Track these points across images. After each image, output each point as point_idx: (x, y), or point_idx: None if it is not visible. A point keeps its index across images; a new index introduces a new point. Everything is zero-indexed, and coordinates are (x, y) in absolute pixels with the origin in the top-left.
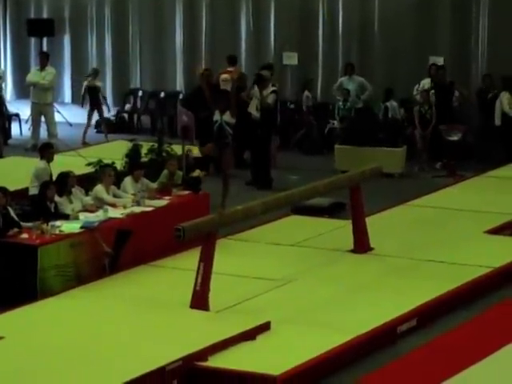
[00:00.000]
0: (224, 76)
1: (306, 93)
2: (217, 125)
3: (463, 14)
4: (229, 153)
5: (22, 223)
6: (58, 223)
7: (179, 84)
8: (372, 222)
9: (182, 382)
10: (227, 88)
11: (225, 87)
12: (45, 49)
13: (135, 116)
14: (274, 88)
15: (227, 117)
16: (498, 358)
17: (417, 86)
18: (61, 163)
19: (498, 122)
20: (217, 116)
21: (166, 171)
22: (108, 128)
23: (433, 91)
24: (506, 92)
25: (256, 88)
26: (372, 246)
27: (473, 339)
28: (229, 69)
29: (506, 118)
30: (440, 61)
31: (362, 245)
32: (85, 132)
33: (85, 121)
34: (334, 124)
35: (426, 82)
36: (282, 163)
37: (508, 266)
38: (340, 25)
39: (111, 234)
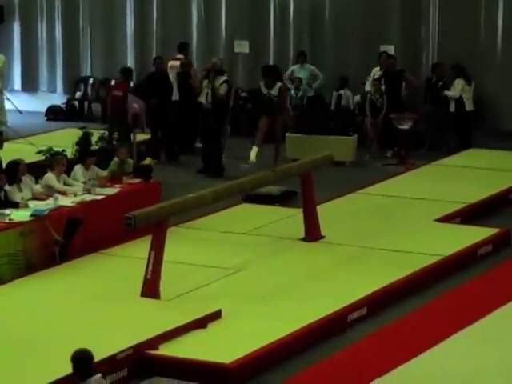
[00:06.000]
0: (171, 63)
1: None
2: (265, 97)
3: (413, 3)
4: (280, 121)
5: None
6: (7, 211)
7: None
8: (323, 211)
9: (132, 370)
10: (173, 74)
11: (171, 73)
12: None
13: (86, 104)
14: (225, 77)
15: (274, 90)
16: (448, 345)
17: (369, 77)
18: (11, 151)
19: (452, 108)
20: (264, 90)
21: (116, 159)
22: (58, 116)
23: (383, 79)
24: (461, 79)
25: (209, 78)
26: (323, 234)
27: (422, 327)
28: (178, 56)
29: (459, 105)
30: (391, 49)
31: (312, 233)
32: None
33: (35, 109)
34: None
35: (375, 71)
36: (234, 152)
37: (458, 254)
38: (291, 13)
39: (61, 223)
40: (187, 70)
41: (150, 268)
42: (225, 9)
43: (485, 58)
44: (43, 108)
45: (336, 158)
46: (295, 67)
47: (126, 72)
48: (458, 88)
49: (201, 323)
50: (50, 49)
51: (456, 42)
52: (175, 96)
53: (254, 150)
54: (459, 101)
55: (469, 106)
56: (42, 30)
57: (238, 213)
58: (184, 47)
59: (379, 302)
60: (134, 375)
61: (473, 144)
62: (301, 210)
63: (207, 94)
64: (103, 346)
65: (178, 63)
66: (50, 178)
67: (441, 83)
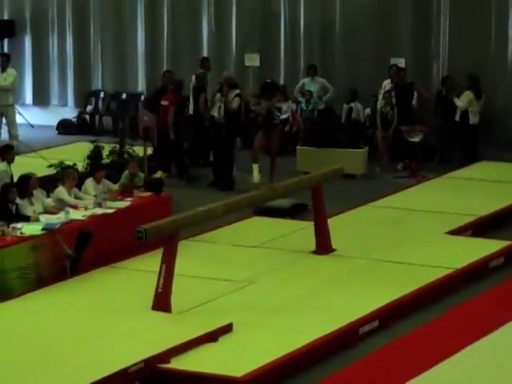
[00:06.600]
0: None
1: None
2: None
3: (424, 16)
4: (276, 133)
5: None
6: (19, 225)
7: (141, 85)
8: (334, 223)
9: None
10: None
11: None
12: (5, 50)
13: (97, 117)
14: (237, 91)
15: (274, 101)
16: (460, 359)
17: (381, 90)
18: (22, 165)
19: (457, 118)
20: (264, 103)
21: (126, 172)
22: (69, 129)
23: (393, 92)
24: (471, 92)
25: (222, 92)
26: (334, 247)
27: (434, 340)
28: (200, 70)
29: (463, 117)
30: (401, 62)
31: (323, 246)
32: None
33: (46, 122)
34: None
35: (386, 83)
36: (244, 165)
37: (469, 267)
38: (302, 26)
39: (73, 236)
40: (202, 84)
41: (161, 281)
42: (235, 22)
43: (495, 70)
44: (54, 122)
45: (347, 171)
46: (306, 80)
47: (175, 84)
48: (465, 100)
49: (212, 336)
50: (61, 63)
51: (466, 54)
52: (190, 109)
53: (255, 168)
54: (464, 113)
55: (473, 119)
56: (53, 44)
57: (248, 226)
58: (203, 61)
59: (391, 315)
60: None
61: (482, 156)
62: (312, 222)
63: (220, 107)
64: (115, 360)
65: None
66: (61, 191)
67: (453, 94)
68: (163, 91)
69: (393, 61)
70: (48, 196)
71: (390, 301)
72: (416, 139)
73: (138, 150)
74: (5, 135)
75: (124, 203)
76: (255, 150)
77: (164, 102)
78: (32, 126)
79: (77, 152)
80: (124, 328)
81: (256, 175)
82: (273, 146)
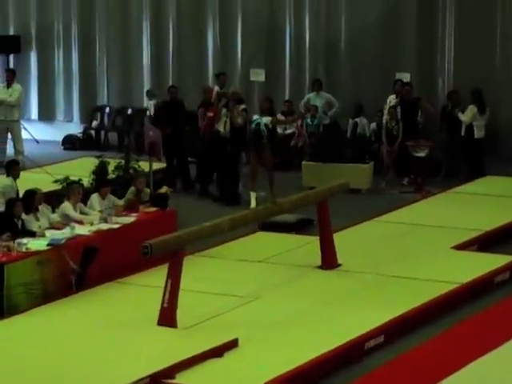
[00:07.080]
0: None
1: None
2: (255, 124)
3: (429, 31)
4: (267, 151)
5: None
6: (24, 241)
7: (146, 101)
8: (339, 238)
9: None
10: None
11: None
12: (11, 65)
13: (102, 133)
14: (243, 106)
15: (266, 119)
16: (465, 374)
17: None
18: (27, 180)
19: (463, 132)
20: (256, 116)
21: (132, 188)
22: (74, 145)
23: (399, 107)
24: (475, 106)
25: (229, 107)
26: (340, 262)
27: (439, 355)
28: (215, 86)
29: (468, 131)
30: (407, 77)
31: (329, 261)
32: None
33: (51, 138)
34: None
35: (391, 98)
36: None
37: (475, 282)
38: (307, 41)
39: (78, 251)
40: (208, 98)
41: (167, 297)
42: (240, 37)
43: (500, 85)
44: (60, 137)
45: (352, 186)
46: (311, 95)
47: (220, 95)
48: (469, 115)
49: (217, 352)
50: (67, 78)
51: (472, 69)
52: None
53: (253, 196)
54: (470, 127)
55: (478, 133)
56: (59, 59)
57: (254, 241)
58: (218, 76)
59: (396, 330)
60: None
61: (487, 171)
62: (317, 237)
63: (225, 122)
64: (120, 375)
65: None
66: (66, 207)
67: (457, 110)
68: (168, 106)
69: (398, 76)
70: (53, 211)
71: (395, 316)
72: (421, 154)
73: (144, 165)
74: (10, 150)
75: (129, 219)
76: (251, 177)
77: (210, 114)
78: (37, 142)
79: (82, 167)
80: (129, 343)
81: (253, 202)
82: (266, 163)
